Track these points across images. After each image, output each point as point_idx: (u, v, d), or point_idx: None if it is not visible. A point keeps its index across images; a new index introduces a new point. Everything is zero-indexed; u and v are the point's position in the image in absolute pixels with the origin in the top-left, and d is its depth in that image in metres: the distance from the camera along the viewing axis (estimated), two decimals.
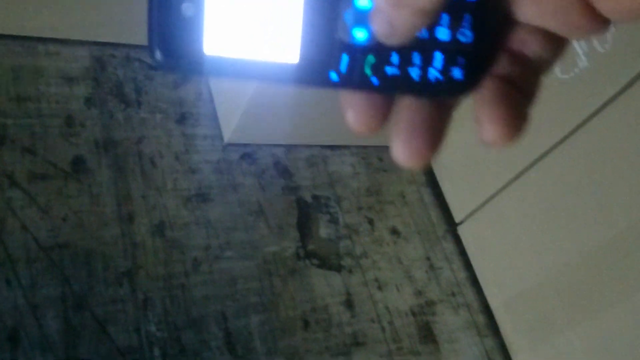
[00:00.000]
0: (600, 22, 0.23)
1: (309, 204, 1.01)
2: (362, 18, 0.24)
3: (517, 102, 0.25)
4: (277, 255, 0.93)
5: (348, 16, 0.24)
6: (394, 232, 1.06)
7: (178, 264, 0.85)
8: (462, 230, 1.08)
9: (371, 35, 0.24)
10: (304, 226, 0.98)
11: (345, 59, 0.24)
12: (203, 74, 0.24)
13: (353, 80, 0.25)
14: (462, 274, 1.06)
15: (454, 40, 0.25)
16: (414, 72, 0.25)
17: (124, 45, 1.01)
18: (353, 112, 0.26)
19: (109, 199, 0.86)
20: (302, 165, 1.05)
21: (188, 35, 0.24)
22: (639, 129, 0.77)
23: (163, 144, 0.94)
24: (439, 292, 1.03)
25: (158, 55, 0.24)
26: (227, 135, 0.98)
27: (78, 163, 0.87)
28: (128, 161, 0.90)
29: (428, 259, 1.05)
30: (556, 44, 0.26)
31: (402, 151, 0.25)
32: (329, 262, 0.97)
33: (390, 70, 0.25)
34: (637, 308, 0.78)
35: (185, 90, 1.02)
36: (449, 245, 1.08)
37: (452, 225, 1.10)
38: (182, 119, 0.98)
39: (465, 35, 0.25)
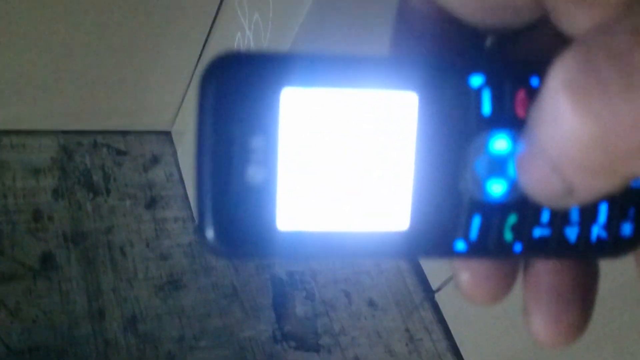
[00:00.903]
0: None
1: (283, 282, 1.00)
2: (499, 166, 0.19)
3: (588, 289, 0.20)
4: (253, 340, 0.92)
5: (480, 165, 0.19)
6: (371, 304, 1.05)
7: None
8: (439, 298, 1.07)
9: (512, 187, 0.19)
10: (280, 306, 0.97)
11: (476, 222, 0.19)
12: (278, 256, 0.19)
13: (487, 249, 0.19)
14: (442, 344, 1.05)
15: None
16: (571, 232, 0.19)
17: (91, 132, 1.00)
18: (471, 275, 0.20)
19: (79, 295, 0.85)
20: None
21: (255, 207, 0.18)
22: None
23: (133, 231, 0.93)
24: None
25: (211, 237, 0.18)
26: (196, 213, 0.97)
27: (47, 259, 0.86)
28: (97, 253, 0.89)
29: (407, 330, 1.04)
30: None
31: (549, 329, 0.19)
32: (307, 343, 0.96)
33: (539, 232, 0.19)
34: None
35: (154, 172, 1.01)
36: (427, 314, 1.08)
37: (429, 293, 1.09)
38: (152, 202, 0.97)
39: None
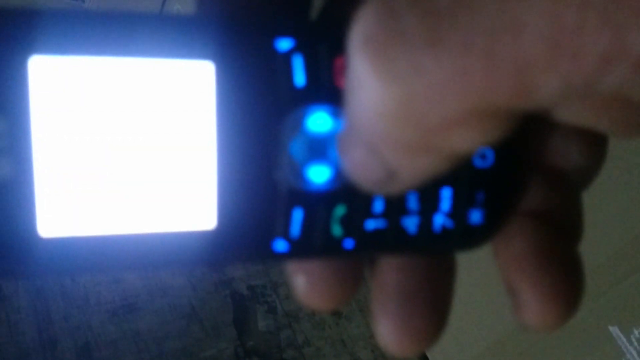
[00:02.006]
0: None
1: (244, 297, 0.98)
2: (320, 148, 0.15)
3: (567, 254, 0.17)
4: (214, 359, 0.89)
5: (297, 148, 0.15)
6: (335, 312, 1.03)
7: None
8: None
9: (337, 173, 0.16)
10: (241, 322, 0.95)
11: (297, 216, 0.16)
12: (48, 272, 0.14)
13: (313, 247, 0.16)
14: None
15: (468, 165, 0.16)
16: (410, 223, 0.16)
17: None
18: (306, 279, 0.17)
19: (29, 325, 0.82)
20: None
21: (8, 210, 0.14)
22: None
23: None
24: None
25: None
26: None
27: None
28: (46, 281, 0.86)
29: (372, 336, 1.03)
30: (600, 149, 0.18)
31: (397, 336, 0.17)
32: (271, 358, 0.93)
33: (372, 224, 0.16)
34: None
35: None
36: None
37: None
38: None
39: (485, 157, 0.16)
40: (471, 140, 0.13)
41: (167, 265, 0.16)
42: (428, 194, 0.16)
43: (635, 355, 0.71)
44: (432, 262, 0.18)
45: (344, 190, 0.16)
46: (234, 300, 0.96)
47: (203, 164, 0.15)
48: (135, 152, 0.14)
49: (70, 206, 0.14)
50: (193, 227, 0.15)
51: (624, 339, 0.72)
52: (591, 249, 0.74)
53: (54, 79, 0.14)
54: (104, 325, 0.85)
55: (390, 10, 0.12)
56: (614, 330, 0.72)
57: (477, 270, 0.93)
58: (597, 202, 0.73)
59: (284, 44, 0.15)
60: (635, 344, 0.71)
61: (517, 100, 0.12)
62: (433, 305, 0.17)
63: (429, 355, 1.02)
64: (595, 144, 0.18)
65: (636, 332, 0.71)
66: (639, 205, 0.69)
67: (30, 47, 0.13)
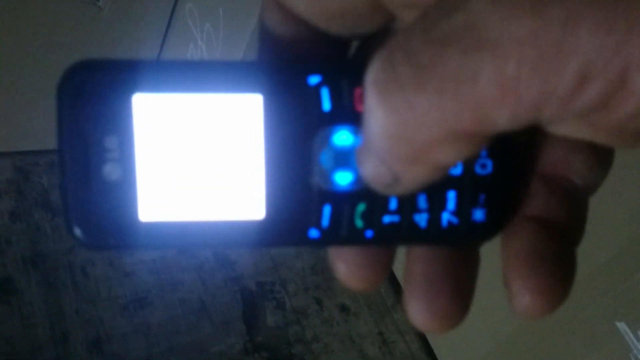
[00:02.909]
0: None
1: (253, 293, 0.99)
2: (344, 158, 0.20)
3: (560, 254, 0.20)
4: (224, 354, 0.90)
5: (325, 158, 0.20)
6: (344, 309, 1.04)
7: None
8: None
9: (358, 178, 0.20)
10: (250, 317, 0.96)
11: (327, 211, 0.20)
12: (141, 247, 0.20)
13: (340, 236, 0.20)
14: (416, 346, 1.04)
15: (469, 172, 0.20)
16: (421, 219, 0.20)
17: (47, 152, 0.98)
18: (345, 265, 0.21)
19: (40, 319, 0.83)
20: (243, 252, 1.03)
21: (117, 202, 0.20)
22: None
23: (93, 251, 0.91)
24: None
25: (78, 232, 0.20)
26: None
27: (6, 284, 0.84)
28: (58, 275, 0.87)
29: (380, 333, 1.03)
30: (605, 158, 0.21)
31: (423, 313, 0.20)
32: (280, 353, 0.94)
33: (388, 218, 0.20)
34: None
35: None
36: (400, 316, 1.07)
37: (401, 295, 1.08)
38: None
39: (483, 165, 0.20)
40: (450, 155, 0.17)
41: (230, 244, 0.21)
42: (436, 195, 0.20)
43: None
44: (455, 254, 0.21)
45: (364, 191, 0.20)
46: (243, 296, 0.97)
47: (255, 172, 0.20)
48: (208, 162, 0.20)
49: (161, 200, 0.20)
50: (248, 217, 0.20)
51: (631, 335, 0.72)
52: (599, 245, 0.74)
53: (149, 110, 0.20)
54: (115, 319, 0.86)
55: (391, 62, 0.16)
56: (621, 325, 0.72)
57: (486, 271, 0.93)
58: (605, 198, 0.74)
59: (314, 79, 0.20)
60: None
61: (479, 128, 0.16)
62: (455, 290, 0.20)
63: (437, 353, 1.02)
64: (599, 154, 0.20)
65: None
66: None
67: (134, 87, 0.19)
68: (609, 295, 0.74)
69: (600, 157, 0.21)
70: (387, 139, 0.17)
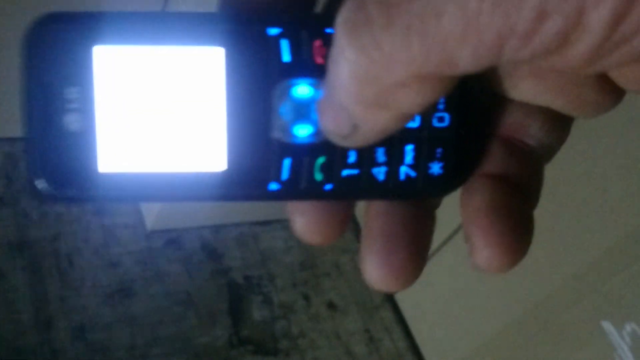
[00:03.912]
0: (615, 95, 0.19)
1: (240, 286, 0.98)
2: (304, 110, 0.20)
3: (519, 210, 0.20)
4: (208, 346, 0.89)
5: (285, 110, 0.20)
6: (331, 305, 1.04)
7: None
8: (399, 298, 1.06)
9: (318, 130, 0.20)
10: (237, 310, 0.95)
11: (287, 163, 0.20)
12: (101, 199, 0.20)
13: (299, 189, 0.20)
14: (402, 344, 1.04)
15: (427, 126, 0.20)
16: (379, 172, 0.20)
17: None
18: (303, 218, 0.21)
19: (25, 304, 0.82)
20: (231, 245, 1.02)
21: (78, 153, 0.20)
22: (559, 193, 0.78)
23: (80, 239, 0.91)
24: None
25: (41, 184, 0.19)
26: (150, 223, 0.95)
27: None
28: (44, 262, 0.87)
29: (367, 331, 1.03)
30: (561, 125, 0.21)
31: (379, 270, 0.20)
32: (265, 347, 0.94)
33: (347, 172, 0.20)
34: None
35: None
36: (387, 314, 1.06)
37: (389, 293, 1.08)
38: (101, 209, 0.95)
39: (440, 119, 0.20)
40: (413, 100, 0.17)
41: (191, 197, 0.21)
42: (393, 149, 0.20)
43: (627, 349, 0.71)
44: (413, 212, 0.21)
45: (323, 145, 0.20)
46: (230, 289, 0.97)
47: (216, 123, 0.20)
48: (169, 113, 0.20)
49: (121, 151, 0.20)
50: (209, 169, 0.20)
51: (616, 334, 0.72)
52: (585, 245, 0.74)
53: (109, 62, 0.20)
54: (100, 308, 0.86)
55: (361, 2, 0.16)
56: (606, 325, 0.72)
57: (473, 273, 0.93)
58: (590, 198, 0.74)
59: (274, 31, 0.20)
60: (627, 338, 0.71)
61: (443, 68, 0.16)
62: (412, 246, 0.20)
63: (423, 352, 1.02)
64: (555, 122, 0.21)
65: (628, 327, 0.71)
66: (632, 201, 0.69)
67: (95, 39, 0.19)
68: (594, 294, 0.74)
69: (557, 122, 0.21)
70: (353, 80, 0.17)
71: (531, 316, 0.82)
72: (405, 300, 1.05)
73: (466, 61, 0.15)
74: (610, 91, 0.19)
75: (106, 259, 0.90)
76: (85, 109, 0.20)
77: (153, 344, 0.86)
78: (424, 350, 1.01)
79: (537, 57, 0.15)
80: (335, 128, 0.18)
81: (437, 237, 0.93)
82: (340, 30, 0.17)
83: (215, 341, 0.90)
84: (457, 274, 0.94)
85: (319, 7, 0.22)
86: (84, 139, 0.20)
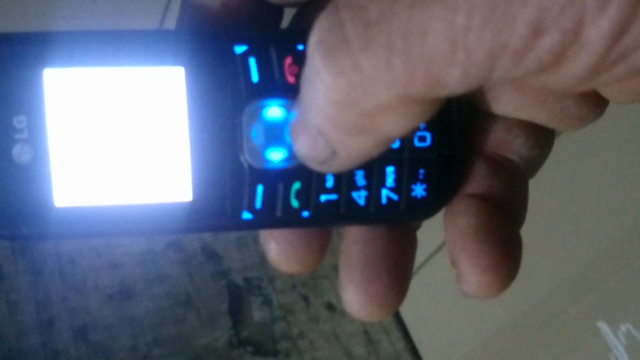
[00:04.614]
0: (599, 107, 0.18)
1: (240, 288, 0.99)
2: (276, 133, 0.19)
3: (506, 232, 0.19)
4: (209, 347, 0.90)
5: (256, 133, 0.19)
6: (330, 307, 1.05)
7: None
8: None
9: (291, 154, 0.19)
10: (237, 312, 0.96)
11: (260, 191, 0.19)
12: (58, 236, 0.19)
13: (275, 217, 0.19)
14: (401, 345, 1.05)
15: (408, 146, 0.19)
16: (359, 196, 0.19)
17: None
18: (278, 246, 0.19)
19: (27, 305, 0.83)
20: (231, 247, 1.03)
21: (30, 186, 0.18)
22: (555, 197, 0.79)
23: (82, 241, 0.91)
24: None
25: None
26: None
27: None
28: (46, 263, 0.87)
29: (366, 332, 1.04)
30: (545, 139, 0.20)
31: (359, 301, 0.19)
32: (265, 348, 0.95)
33: (325, 197, 0.19)
34: None
35: None
36: None
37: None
38: None
39: (422, 138, 0.19)
40: (398, 124, 0.16)
41: (156, 230, 0.19)
42: (374, 172, 0.19)
43: (622, 350, 0.72)
44: (393, 236, 0.20)
45: (298, 169, 0.19)
46: (230, 290, 0.98)
47: (180, 150, 0.19)
48: (128, 141, 0.19)
49: (78, 183, 0.18)
50: (174, 200, 0.19)
51: (612, 335, 0.73)
52: (580, 246, 0.75)
53: (62, 86, 0.18)
54: (101, 309, 0.87)
55: (337, 20, 0.15)
56: (602, 325, 0.73)
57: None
58: (586, 200, 0.75)
59: (241, 49, 0.18)
60: (622, 339, 0.72)
61: (430, 89, 0.14)
62: (393, 274, 0.19)
63: (421, 353, 1.03)
64: (538, 136, 0.20)
65: (623, 327, 0.72)
66: (628, 202, 0.70)
67: (44, 62, 0.18)
68: (590, 295, 0.75)
69: (540, 137, 0.20)
70: (331, 105, 0.15)
71: (527, 317, 0.83)
72: (404, 302, 1.05)
73: (454, 82, 0.14)
74: (594, 103, 0.18)
75: (108, 260, 0.91)
76: (37, 139, 0.18)
77: (154, 344, 0.87)
78: (422, 351, 1.02)
79: (529, 75, 0.14)
80: (311, 153, 0.17)
81: (435, 240, 0.95)
82: (315, 52, 0.15)
83: (216, 342, 0.91)
84: (454, 276, 0.95)
85: (285, 23, 0.21)
86: (37, 171, 0.18)
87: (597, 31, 0.13)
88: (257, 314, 0.98)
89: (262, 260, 1.05)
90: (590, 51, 0.13)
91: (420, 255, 0.93)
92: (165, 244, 0.97)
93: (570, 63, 0.14)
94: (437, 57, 0.14)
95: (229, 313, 0.95)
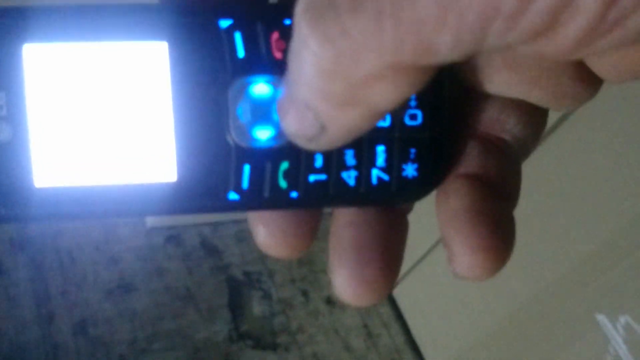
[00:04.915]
0: (593, 86, 0.18)
1: (240, 282, 0.99)
2: (263, 111, 0.18)
3: (499, 212, 0.19)
4: (208, 341, 0.90)
5: (242, 111, 0.18)
6: (329, 301, 1.05)
7: None
8: (397, 293, 1.07)
9: (279, 133, 0.18)
10: (236, 306, 0.96)
11: (247, 170, 0.18)
12: (38, 218, 0.18)
13: (262, 198, 0.18)
14: (400, 339, 1.05)
15: (399, 124, 0.19)
16: (349, 176, 0.19)
17: None
18: (267, 229, 0.19)
19: (27, 299, 0.83)
20: (231, 242, 1.03)
21: (9, 165, 0.17)
22: (555, 186, 0.79)
23: (81, 236, 0.92)
24: None
25: None
26: (150, 220, 0.96)
27: None
28: (45, 258, 0.88)
29: (365, 326, 1.04)
30: (538, 119, 0.20)
31: (351, 285, 0.18)
32: (264, 342, 0.95)
33: (314, 177, 0.19)
34: None
35: None
36: (385, 310, 1.07)
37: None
38: None
39: (413, 116, 0.19)
40: (388, 94, 0.15)
41: (139, 212, 0.18)
42: (364, 151, 0.19)
43: (621, 342, 0.72)
44: (384, 219, 0.19)
45: (286, 148, 0.18)
46: (230, 285, 0.98)
47: (164, 129, 0.18)
48: (109, 118, 0.18)
49: (59, 162, 0.18)
50: (158, 180, 0.18)
51: (610, 326, 0.73)
52: (579, 238, 0.75)
53: (41, 61, 0.17)
54: (101, 303, 0.87)
55: None
56: (601, 318, 0.73)
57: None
58: (585, 192, 0.75)
59: (226, 23, 0.18)
60: (621, 331, 0.72)
61: (421, 56, 0.14)
62: (384, 258, 0.19)
63: (421, 347, 1.03)
64: (531, 115, 0.20)
65: (622, 319, 0.72)
66: (627, 194, 0.70)
67: (24, 37, 0.17)
68: (589, 287, 0.75)
69: (533, 117, 0.20)
70: (319, 74, 0.15)
71: (527, 310, 0.83)
72: (403, 296, 1.05)
73: (446, 47, 0.14)
74: (588, 81, 0.18)
75: (107, 255, 0.91)
76: (16, 116, 0.17)
77: (153, 338, 0.87)
78: (422, 345, 1.02)
79: (523, 41, 0.14)
80: (300, 129, 0.16)
81: (434, 233, 0.95)
82: (301, 19, 0.15)
83: (215, 336, 0.91)
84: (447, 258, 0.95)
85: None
86: (16, 150, 0.17)
87: None
88: (257, 308, 0.98)
89: (262, 254, 1.05)
90: (585, 13, 0.13)
91: (419, 249, 0.94)
92: (165, 238, 0.97)
93: (564, 27, 0.13)
94: (428, 22, 0.13)
95: (229, 307, 0.95)
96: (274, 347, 0.95)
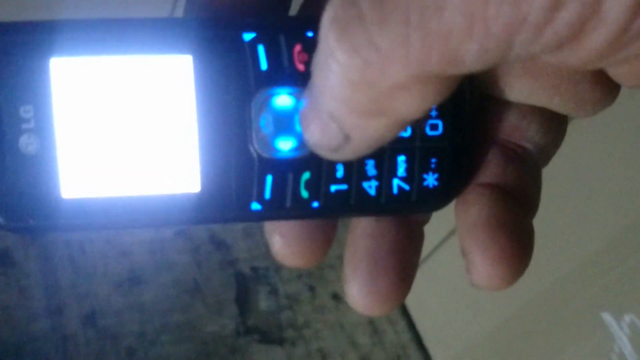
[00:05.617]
0: (613, 92, 0.18)
1: (247, 277, 1.00)
2: (286, 122, 0.19)
3: (519, 223, 0.19)
4: (216, 334, 0.91)
5: (265, 123, 0.18)
6: (335, 297, 1.05)
7: (112, 355, 0.83)
8: None
9: (301, 144, 0.18)
10: (244, 300, 0.97)
11: (269, 180, 0.19)
12: (65, 228, 0.18)
13: (284, 208, 0.19)
14: (406, 336, 1.05)
15: (420, 134, 0.19)
16: (370, 186, 0.19)
17: None
18: (283, 239, 0.19)
19: (37, 290, 0.84)
20: (239, 237, 1.04)
21: (37, 177, 0.18)
22: (564, 188, 0.79)
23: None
24: (385, 356, 1.02)
25: None
26: None
27: (4, 256, 0.85)
28: (56, 250, 0.89)
29: (371, 322, 1.05)
30: (558, 126, 0.20)
31: (364, 295, 0.19)
32: (271, 336, 0.95)
33: (335, 187, 0.19)
34: None
35: None
36: None
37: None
38: None
39: (433, 127, 0.19)
40: (413, 104, 0.15)
41: (164, 222, 0.19)
42: (385, 161, 0.19)
43: (626, 340, 0.72)
44: (401, 231, 0.20)
45: (308, 159, 0.18)
46: (237, 279, 0.99)
47: (188, 140, 0.18)
48: (136, 131, 0.18)
49: (85, 173, 0.18)
50: (182, 191, 0.18)
51: (616, 325, 0.73)
52: (585, 237, 0.76)
53: (69, 75, 0.18)
54: (110, 296, 0.88)
55: None
56: (606, 316, 0.74)
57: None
58: (591, 190, 0.75)
59: (249, 36, 0.18)
60: (626, 329, 0.72)
61: (447, 66, 0.14)
62: (398, 269, 0.19)
63: (426, 343, 1.03)
64: (552, 122, 0.20)
65: (627, 318, 0.72)
66: (632, 193, 0.71)
67: (51, 51, 0.17)
68: (594, 286, 0.75)
69: (553, 124, 0.20)
70: (345, 85, 0.15)
71: (532, 308, 0.84)
72: (410, 293, 1.06)
73: (472, 58, 0.14)
74: (607, 87, 0.18)
75: (117, 248, 0.92)
76: (44, 129, 0.18)
77: (162, 331, 0.88)
78: (427, 342, 1.02)
79: (548, 51, 0.14)
80: (323, 140, 0.16)
81: (441, 230, 0.95)
82: (328, 30, 0.15)
83: (223, 330, 0.92)
84: (460, 267, 0.95)
85: (294, 10, 0.21)
86: (44, 162, 0.18)
87: (617, 4, 0.13)
88: (264, 302, 0.98)
89: (269, 250, 1.06)
90: (609, 25, 0.13)
91: (426, 246, 0.93)
92: (174, 232, 0.98)
93: (589, 38, 0.13)
94: (455, 32, 0.13)
95: (236, 301, 0.96)
96: (280, 341, 0.96)
